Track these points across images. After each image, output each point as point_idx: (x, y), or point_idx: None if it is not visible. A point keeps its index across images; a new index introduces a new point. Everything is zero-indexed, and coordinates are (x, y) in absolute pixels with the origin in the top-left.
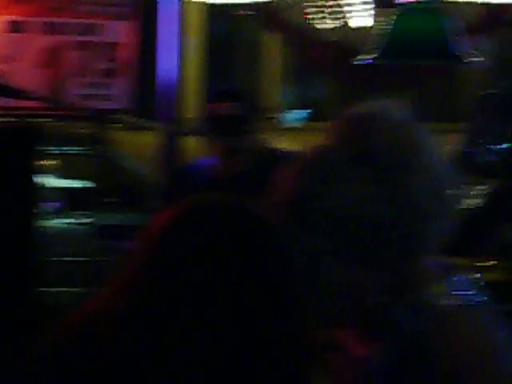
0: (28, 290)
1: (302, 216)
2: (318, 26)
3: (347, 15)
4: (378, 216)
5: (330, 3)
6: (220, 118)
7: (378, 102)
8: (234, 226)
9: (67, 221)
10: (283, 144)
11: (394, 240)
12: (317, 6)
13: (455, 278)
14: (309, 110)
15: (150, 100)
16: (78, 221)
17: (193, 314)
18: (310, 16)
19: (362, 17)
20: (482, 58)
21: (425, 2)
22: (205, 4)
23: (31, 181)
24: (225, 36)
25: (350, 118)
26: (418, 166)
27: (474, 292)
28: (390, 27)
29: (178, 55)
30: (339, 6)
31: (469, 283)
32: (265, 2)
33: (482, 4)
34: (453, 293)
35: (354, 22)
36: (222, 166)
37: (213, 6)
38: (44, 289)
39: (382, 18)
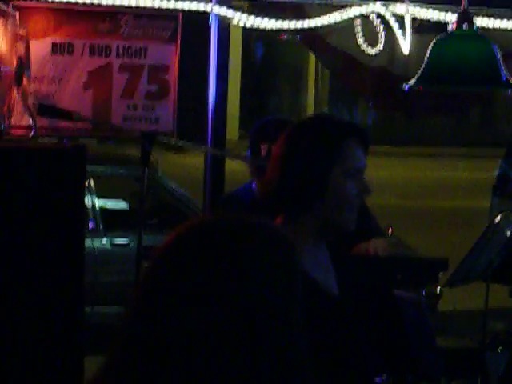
0: (76, 309)
1: None
2: (364, 51)
3: (393, 40)
4: None
5: (377, 28)
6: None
7: None
8: (231, 246)
9: (102, 241)
10: None
11: None
12: (363, 32)
13: None
14: None
15: (194, 122)
16: (113, 242)
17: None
18: (356, 41)
19: (407, 42)
20: None
21: (468, 28)
22: (245, 28)
23: (82, 201)
24: (266, 59)
25: None
26: None
27: None
28: (431, 53)
29: (225, 78)
30: (385, 31)
31: None
32: (309, 28)
33: None
34: None
35: (400, 47)
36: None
37: (254, 30)
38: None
39: (426, 44)
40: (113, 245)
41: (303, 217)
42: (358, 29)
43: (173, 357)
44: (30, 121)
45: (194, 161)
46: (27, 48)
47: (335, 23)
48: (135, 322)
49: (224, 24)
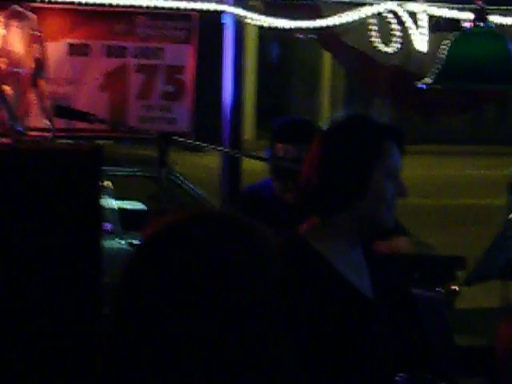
0: (93, 310)
1: None
2: (380, 49)
3: (409, 39)
4: None
5: (392, 26)
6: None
7: None
8: (208, 242)
9: (120, 242)
10: None
11: None
12: (378, 30)
13: None
14: None
15: (210, 122)
16: (131, 243)
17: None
18: (372, 39)
19: (422, 41)
20: None
21: (485, 26)
22: (261, 28)
23: (98, 202)
24: (282, 59)
25: None
26: None
27: None
28: (449, 51)
29: (240, 78)
30: (401, 29)
31: None
32: (324, 27)
33: None
34: None
35: (416, 46)
36: (280, 189)
37: (269, 29)
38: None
39: (441, 42)
40: (130, 246)
41: (339, 217)
42: (373, 27)
43: (151, 360)
44: (47, 122)
45: (211, 161)
46: (44, 50)
47: (351, 22)
48: (115, 324)
49: (239, 24)
